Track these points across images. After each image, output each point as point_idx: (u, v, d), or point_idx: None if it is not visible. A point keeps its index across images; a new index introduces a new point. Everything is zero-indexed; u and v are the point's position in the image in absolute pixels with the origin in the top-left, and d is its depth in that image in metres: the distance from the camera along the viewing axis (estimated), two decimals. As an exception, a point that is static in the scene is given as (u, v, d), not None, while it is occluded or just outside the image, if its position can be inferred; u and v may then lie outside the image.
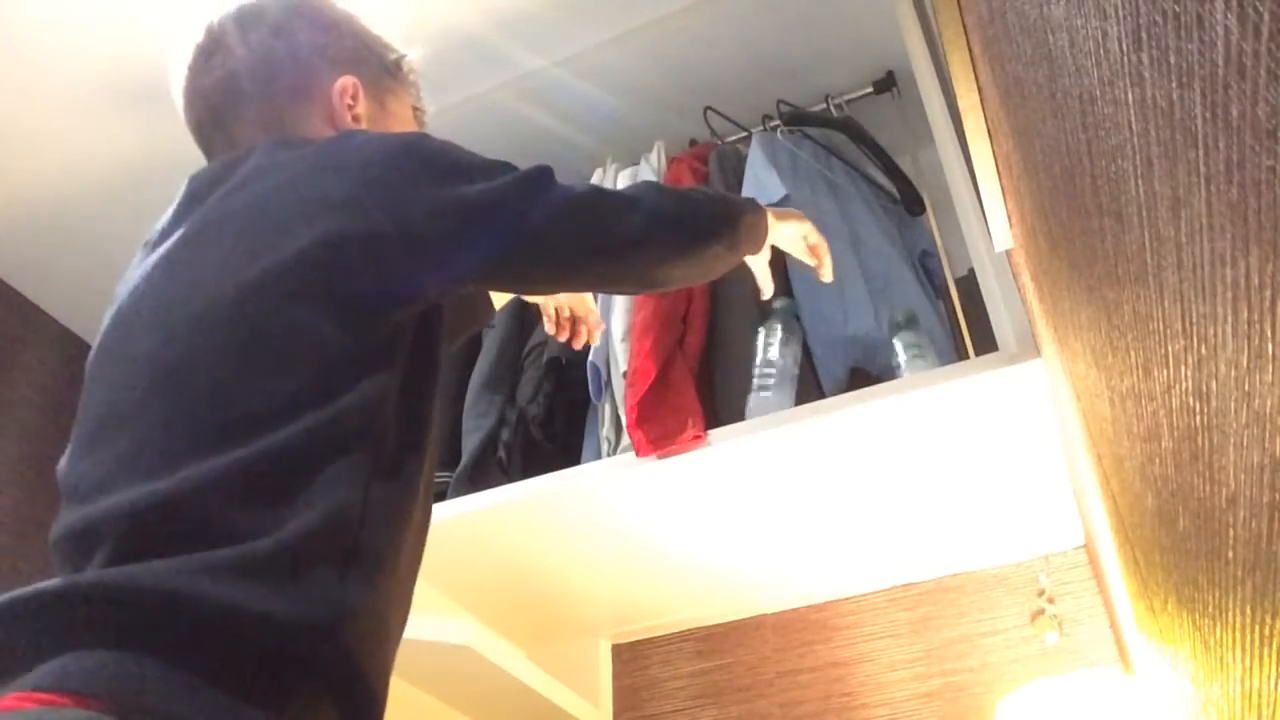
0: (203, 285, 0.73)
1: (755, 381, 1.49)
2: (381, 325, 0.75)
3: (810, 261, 1.21)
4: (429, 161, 0.81)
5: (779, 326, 1.54)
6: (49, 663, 0.55)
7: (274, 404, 0.68)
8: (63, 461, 0.75)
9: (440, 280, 0.79)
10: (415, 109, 1.04)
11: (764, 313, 1.57)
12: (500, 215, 0.80)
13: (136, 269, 0.84)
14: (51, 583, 0.59)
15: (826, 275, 1.23)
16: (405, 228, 0.76)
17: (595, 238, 0.85)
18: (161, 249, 0.81)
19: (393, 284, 0.76)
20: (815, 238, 1.20)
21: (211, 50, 0.95)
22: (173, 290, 0.75)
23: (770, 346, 1.52)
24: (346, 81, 0.95)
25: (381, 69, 1.01)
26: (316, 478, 0.66)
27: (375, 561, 0.68)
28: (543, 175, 0.85)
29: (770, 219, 1.11)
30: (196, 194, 0.86)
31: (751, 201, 1.07)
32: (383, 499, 0.71)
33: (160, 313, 0.74)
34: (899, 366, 1.45)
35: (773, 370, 1.49)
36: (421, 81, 1.06)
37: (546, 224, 0.82)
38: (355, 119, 0.94)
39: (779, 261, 1.72)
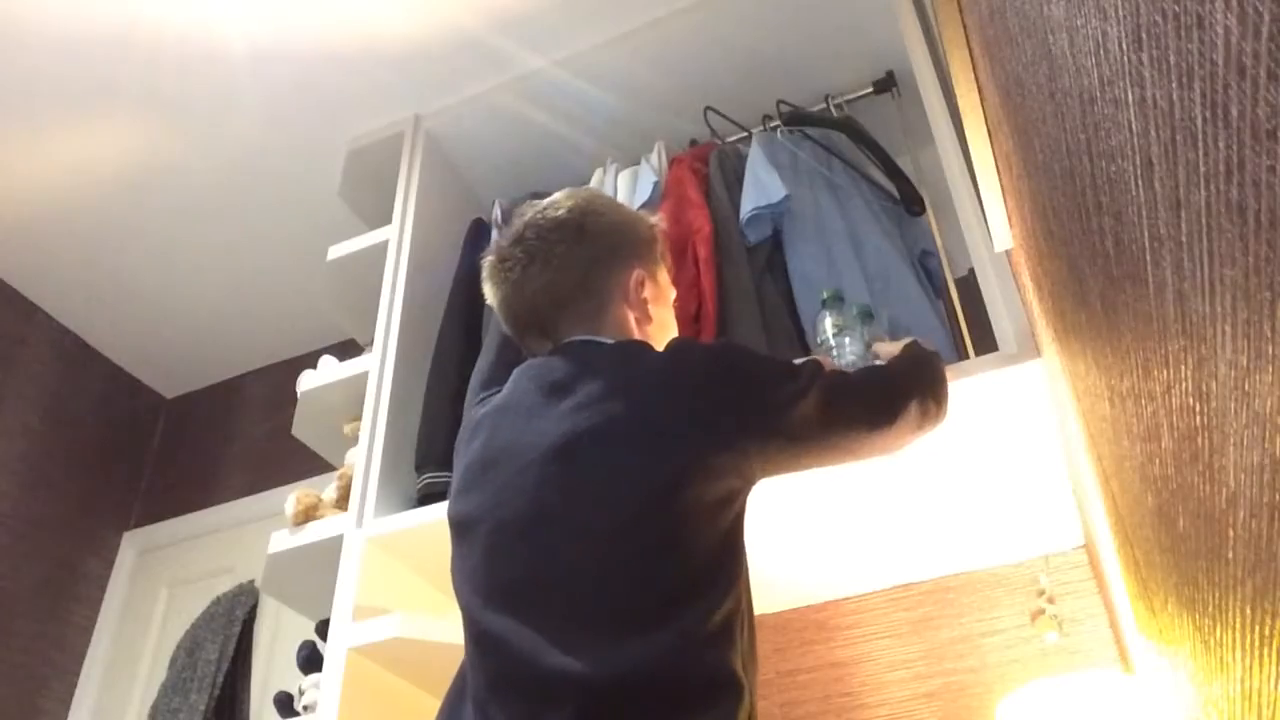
0: (608, 492, 0.95)
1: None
2: (736, 510, 0.98)
3: None
4: (754, 381, 1.03)
5: (829, 316, 1.51)
6: None
7: (683, 588, 0.90)
8: (477, 603, 0.97)
9: (771, 476, 1.04)
10: (668, 267, 1.26)
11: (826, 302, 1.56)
12: (813, 421, 1.03)
13: (496, 437, 1.07)
14: None
15: None
16: (752, 445, 0.99)
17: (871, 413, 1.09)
18: (538, 439, 1.01)
19: (744, 485, 1.00)
20: None
21: (527, 261, 1.15)
22: (578, 490, 0.96)
23: (827, 333, 1.50)
24: (639, 275, 1.17)
25: (651, 249, 1.21)
26: (718, 649, 0.89)
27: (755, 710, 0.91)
28: (819, 372, 1.06)
29: None
30: (548, 390, 1.06)
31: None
32: (750, 650, 0.95)
33: (571, 511, 0.96)
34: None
35: (833, 355, 1.47)
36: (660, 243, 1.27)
37: (840, 422, 1.06)
38: (645, 301, 1.16)
39: (779, 258, 1.73)
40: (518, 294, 1.16)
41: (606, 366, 1.06)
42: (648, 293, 1.18)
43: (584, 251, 1.15)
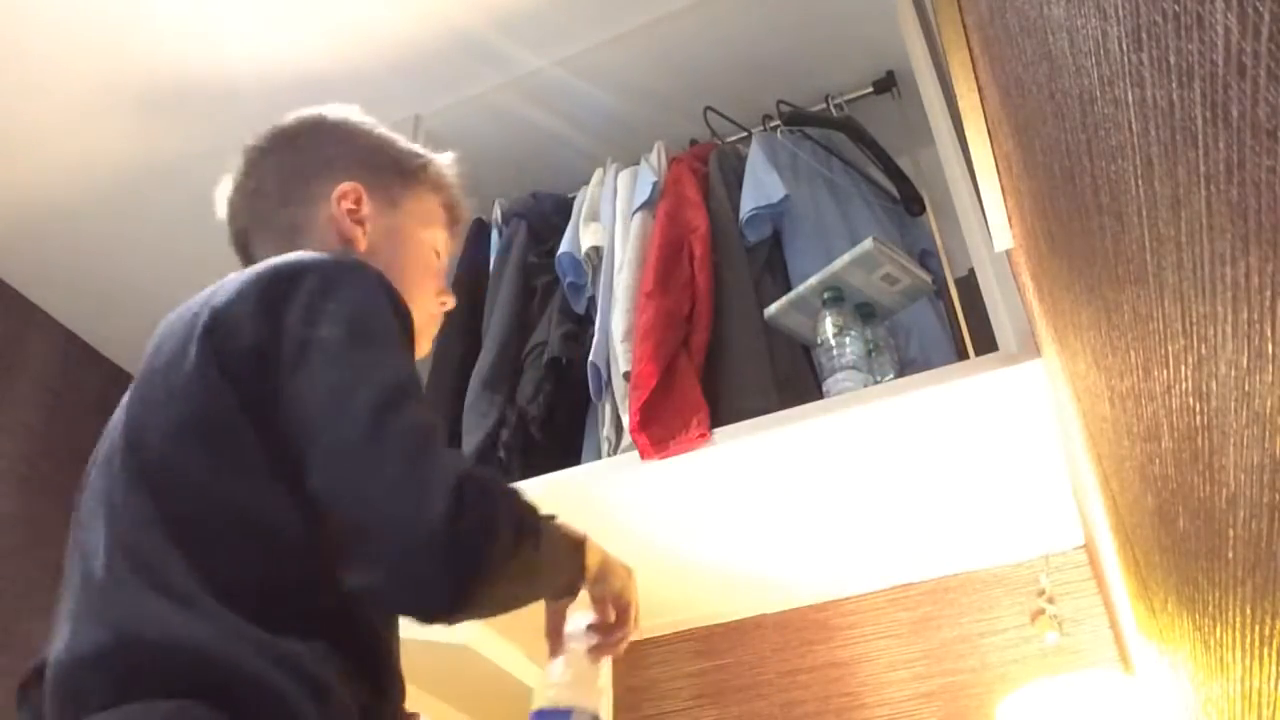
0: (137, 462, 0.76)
1: (827, 365, 1.48)
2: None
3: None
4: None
5: (828, 315, 1.51)
6: None
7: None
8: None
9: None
10: (449, 214, 1.07)
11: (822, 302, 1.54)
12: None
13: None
14: None
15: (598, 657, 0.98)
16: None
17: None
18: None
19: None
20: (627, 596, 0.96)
21: (245, 171, 1.02)
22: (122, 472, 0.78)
23: (827, 333, 1.50)
24: (346, 186, 0.98)
25: (394, 169, 1.04)
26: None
27: None
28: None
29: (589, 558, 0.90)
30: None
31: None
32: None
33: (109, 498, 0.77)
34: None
35: (833, 355, 1.47)
36: (457, 181, 1.10)
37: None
38: (359, 220, 0.98)
39: (778, 258, 1.73)
40: (226, 208, 1.02)
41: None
42: (368, 211, 0.97)
43: (294, 159, 1.00)
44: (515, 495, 0.75)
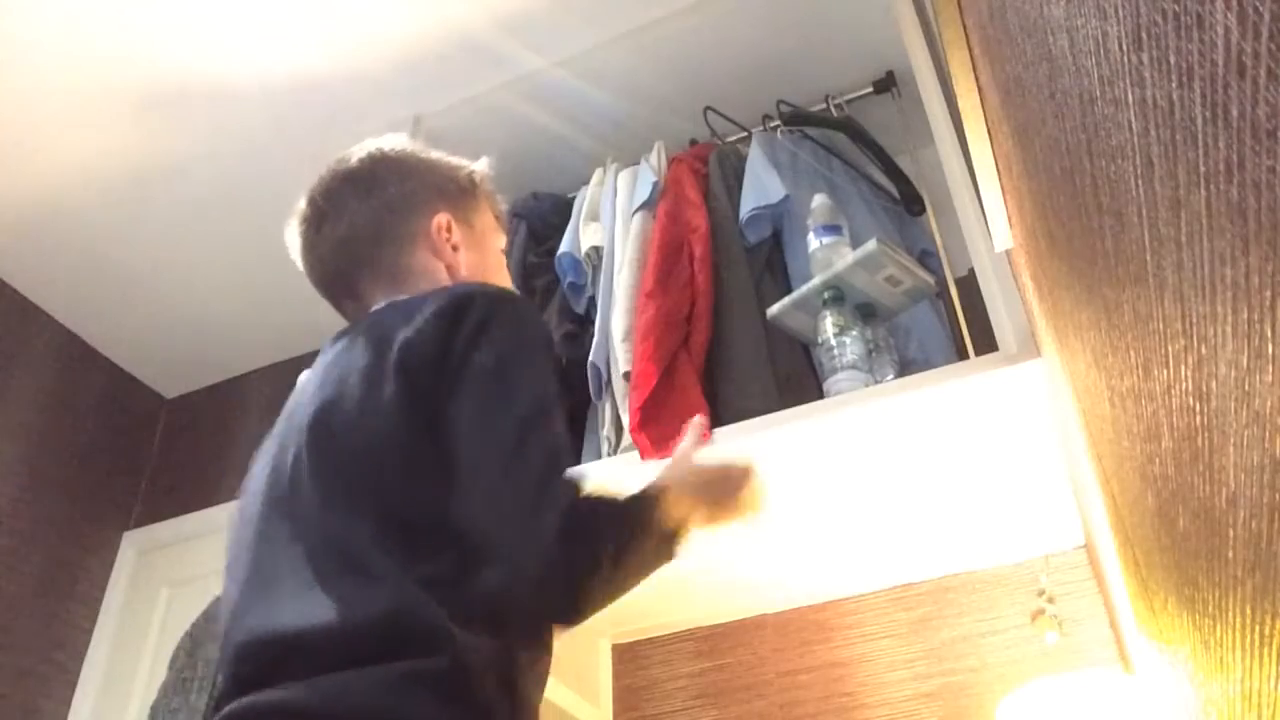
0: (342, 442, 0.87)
1: (827, 365, 1.47)
2: None
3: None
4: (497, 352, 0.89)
5: (829, 315, 1.51)
6: None
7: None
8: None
9: None
10: (496, 216, 1.17)
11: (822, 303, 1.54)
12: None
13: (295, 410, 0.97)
14: None
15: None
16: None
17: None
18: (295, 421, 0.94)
19: None
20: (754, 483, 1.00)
21: (319, 220, 1.08)
22: (318, 458, 0.88)
23: (828, 333, 1.49)
24: (441, 219, 1.08)
25: (460, 191, 1.12)
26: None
27: None
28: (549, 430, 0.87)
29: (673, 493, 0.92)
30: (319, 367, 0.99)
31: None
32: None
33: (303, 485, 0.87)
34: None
35: (833, 355, 1.47)
36: (494, 187, 1.19)
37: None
38: (454, 246, 1.07)
39: (778, 258, 1.73)
40: (313, 256, 1.08)
41: (374, 321, 0.95)
42: (457, 237, 1.08)
43: (376, 200, 1.07)
44: (614, 522, 0.84)
